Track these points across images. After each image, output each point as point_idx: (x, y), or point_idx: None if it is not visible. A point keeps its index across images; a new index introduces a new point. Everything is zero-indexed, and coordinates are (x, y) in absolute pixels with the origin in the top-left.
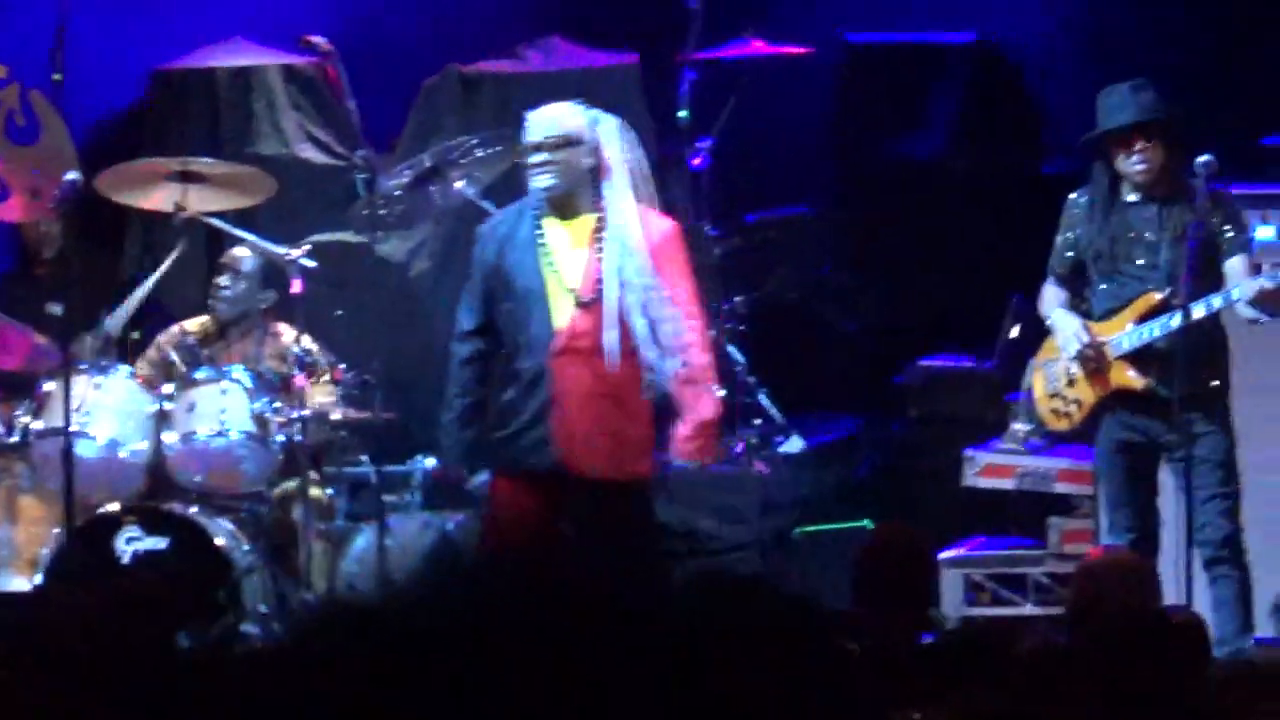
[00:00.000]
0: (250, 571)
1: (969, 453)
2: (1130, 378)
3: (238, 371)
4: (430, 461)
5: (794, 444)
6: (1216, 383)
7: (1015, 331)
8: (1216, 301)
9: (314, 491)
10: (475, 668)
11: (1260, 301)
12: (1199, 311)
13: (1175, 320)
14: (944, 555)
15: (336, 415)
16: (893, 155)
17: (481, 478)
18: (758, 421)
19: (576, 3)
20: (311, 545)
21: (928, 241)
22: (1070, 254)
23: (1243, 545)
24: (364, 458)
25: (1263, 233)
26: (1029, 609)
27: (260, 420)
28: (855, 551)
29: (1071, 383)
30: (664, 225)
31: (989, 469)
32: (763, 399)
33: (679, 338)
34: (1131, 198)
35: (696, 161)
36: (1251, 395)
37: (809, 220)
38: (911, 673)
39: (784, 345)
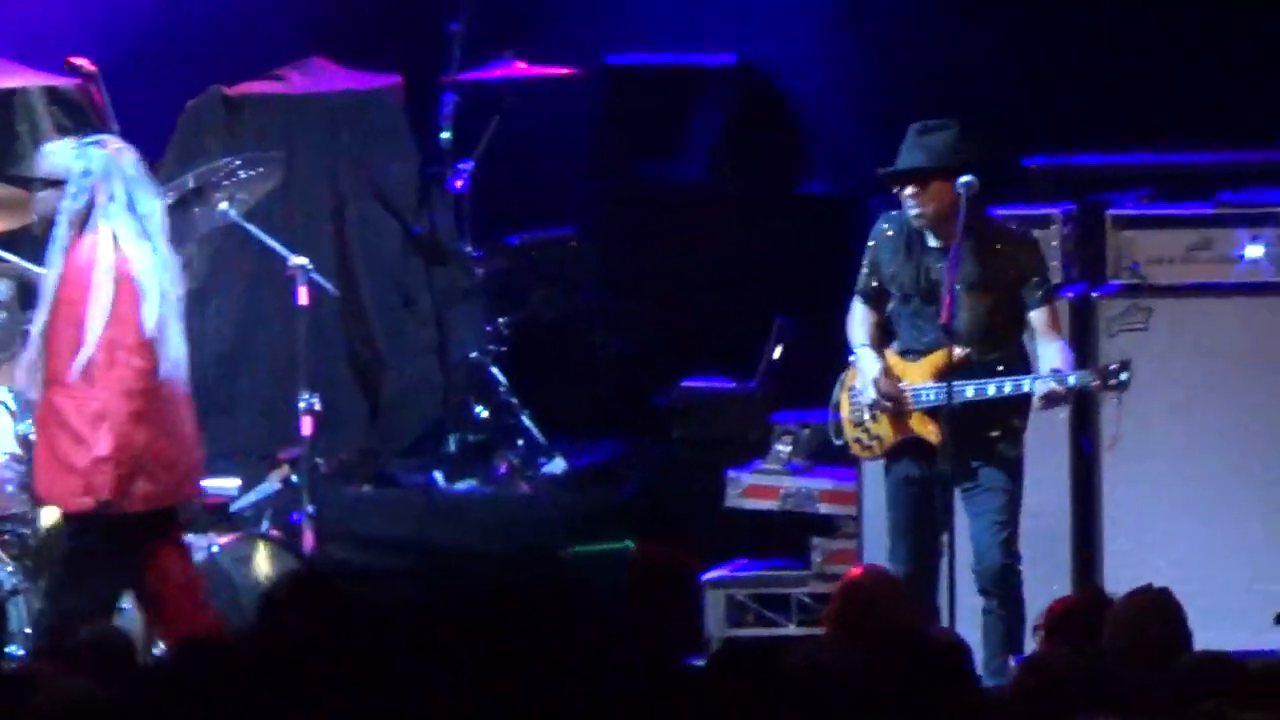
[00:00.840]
0: (14, 593)
1: (731, 474)
2: (929, 431)
3: (2, 393)
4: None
5: (557, 465)
6: (1015, 422)
7: (777, 352)
8: (1008, 388)
9: None
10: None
11: (1048, 399)
12: (991, 390)
13: (969, 392)
14: (707, 576)
15: None
16: (654, 177)
17: None
18: (521, 443)
19: (338, 24)
20: None
21: (690, 263)
22: (874, 279)
23: (1014, 579)
24: None
25: None
26: (792, 629)
27: (24, 442)
28: (620, 572)
29: (875, 418)
30: (95, 259)
31: (752, 490)
32: (525, 420)
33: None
34: (933, 243)
35: (459, 183)
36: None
37: (571, 242)
38: (679, 693)
39: (547, 367)
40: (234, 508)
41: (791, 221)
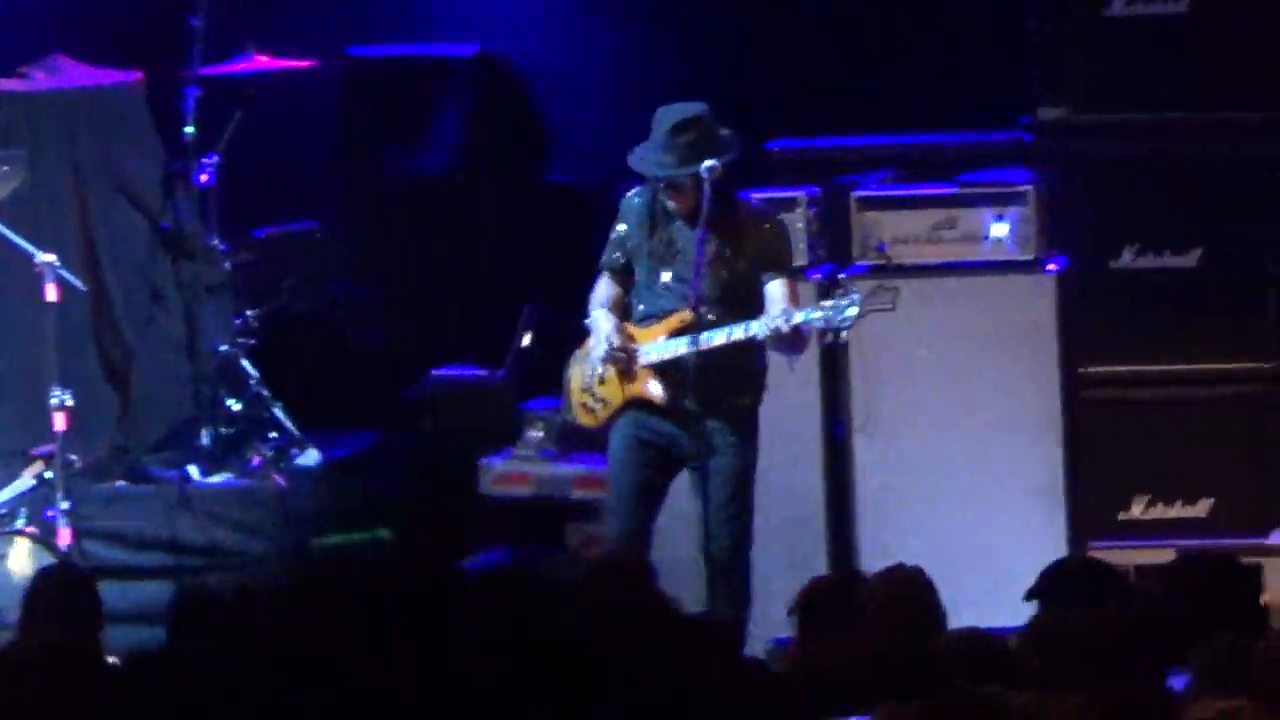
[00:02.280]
0: None
1: (484, 462)
2: (652, 387)
3: None
4: None
5: (311, 457)
6: (745, 401)
7: (526, 341)
8: (738, 333)
9: None
10: None
11: (776, 341)
12: (718, 339)
13: (699, 342)
14: (463, 565)
15: None
16: (398, 169)
17: None
18: (274, 435)
19: (79, 21)
20: None
21: (437, 254)
22: (621, 249)
23: (743, 566)
24: None
25: None
26: None
27: None
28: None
29: (602, 381)
30: None
31: (504, 477)
32: (277, 413)
33: None
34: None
35: (204, 178)
36: None
37: (317, 235)
38: None
39: (298, 360)
40: None
41: (537, 210)
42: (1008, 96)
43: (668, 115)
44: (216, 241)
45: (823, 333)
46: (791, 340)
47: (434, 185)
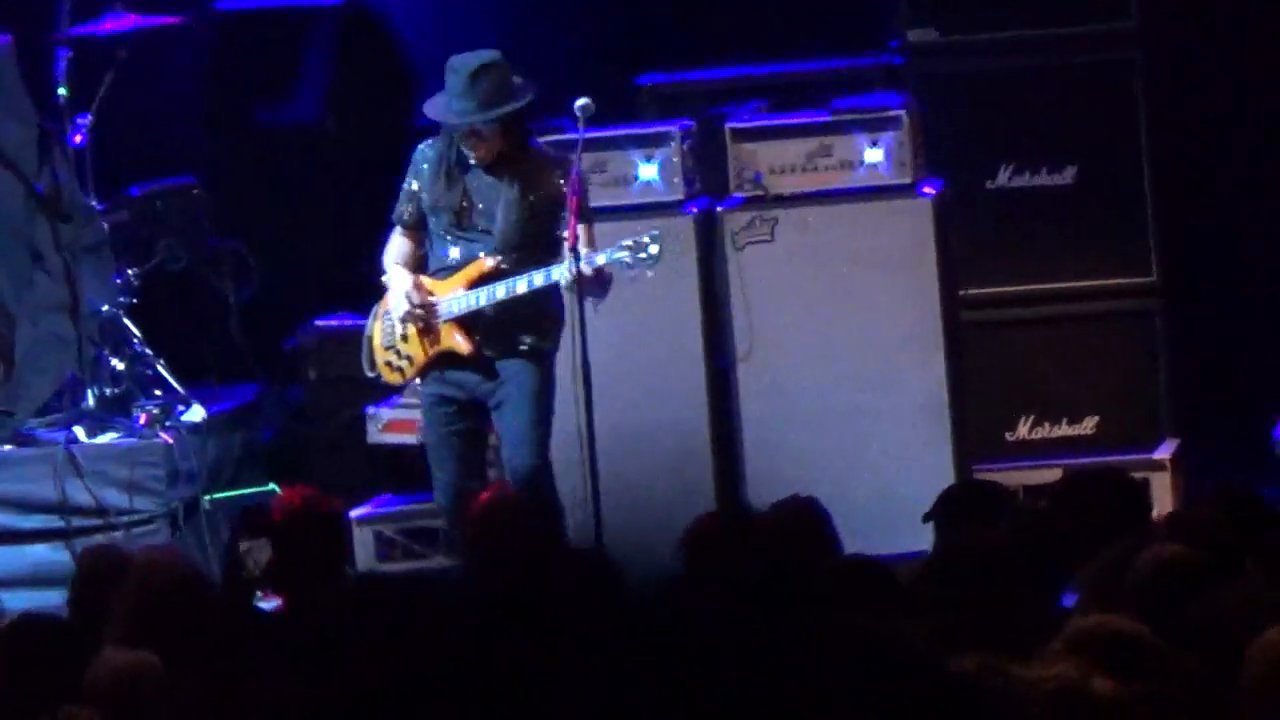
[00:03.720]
0: None
1: (371, 410)
2: (457, 341)
3: None
4: None
5: (195, 412)
6: (543, 345)
7: None
8: (539, 279)
9: None
10: None
11: (581, 285)
12: (520, 287)
13: (500, 291)
14: (353, 514)
15: None
16: (269, 121)
17: None
18: (158, 392)
19: None
20: None
21: (309, 204)
22: (414, 204)
23: (547, 479)
24: None
25: (646, 171)
26: (441, 560)
27: None
28: (262, 518)
29: (405, 338)
30: None
31: (392, 425)
32: (161, 370)
33: None
34: (474, 162)
35: (78, 138)
36: None
37: (194, 190)
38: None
39: (178, 316)
40: None
41: (405, 155)
42: (876, 20)
43: (464, 63)
44: (93, 201)
45: (628, 269)
46: (594, 282)
47: (305, 135)
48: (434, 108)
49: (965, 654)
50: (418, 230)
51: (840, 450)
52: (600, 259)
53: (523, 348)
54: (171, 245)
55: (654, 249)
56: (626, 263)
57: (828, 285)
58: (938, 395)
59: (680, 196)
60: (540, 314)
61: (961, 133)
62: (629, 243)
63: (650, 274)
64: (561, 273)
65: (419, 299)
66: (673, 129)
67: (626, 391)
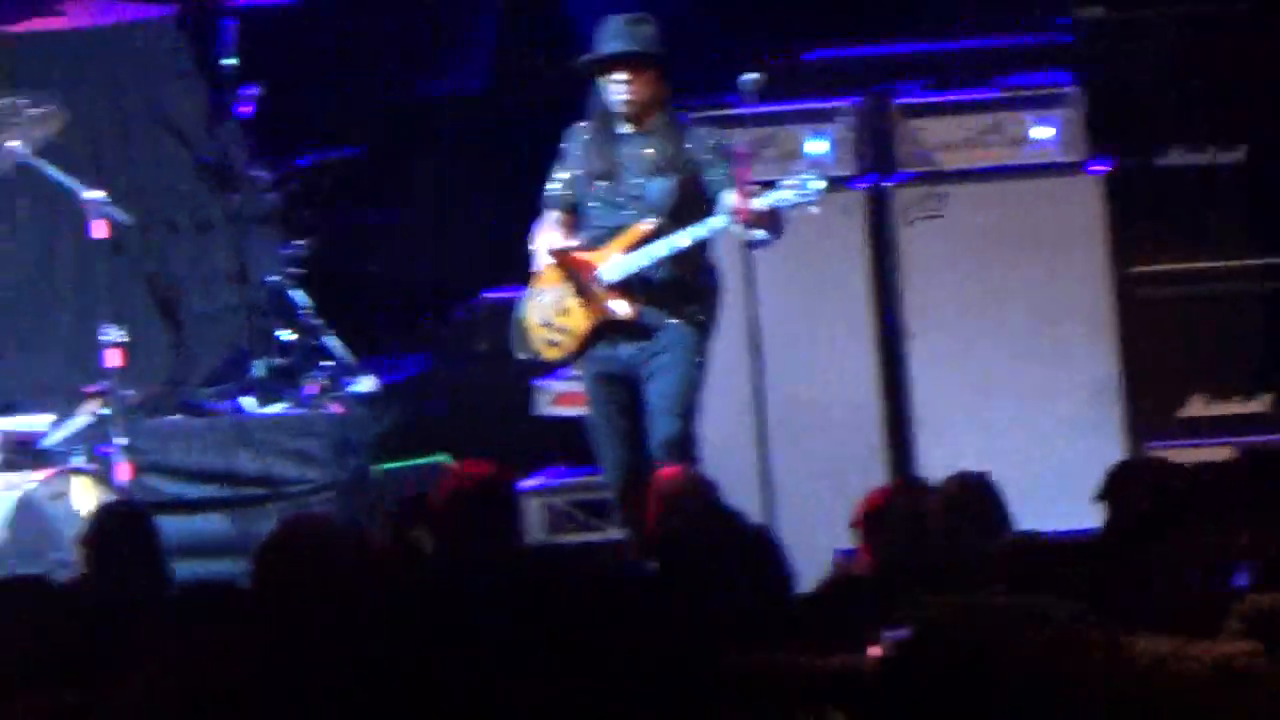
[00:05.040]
0: None
1: (539, 383)
2: (618, 307)
3: None
4: (2, 422)
5: (365, 383)
6: (700, 316)
7: None
8: (699, 230)
9: None
10: None
11: (750, 222)
12: (681, 241)
13: (661, 249)
14: (524, 486)
15: None
16: (435, 92)
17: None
18: (326, 363)
19: None
20: None
21: (477, 175)
22: (566, 185)
23: (690, 445)
24: None
25: (815, 147)
26: (614, 533)
27: None
28: (435, 486)
29: (563, 313)
30: None
31: (561, 398)
32: (329, 341)
33: None
34: (624, 129)
35: (247, 109)
36: None
37: (363, 161)
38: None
39: (348, 286)
40: (45, 444)
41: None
42: None
43: (618, 16)
44: (262, 172)
45: (789, 209)
46: (763, 221)
47: (472, 105)
48: (590, 56)
49: (1138, 634)
50: (569, 213)
51: (1010, 427)
52: (764, 202)
53: (681, 315)
54: (340, 216)
55: (815, 184)
56: (791, 202)
57: (997, 262)
58: (1108, 372)
59: (849, 172)
60: (699, 284)
61: (1130, 110)
62: (791, 181)
63: (815, 210)
64: (721, 220)
65: (558, 249)
66: (842, 105)
67: (797, 366)
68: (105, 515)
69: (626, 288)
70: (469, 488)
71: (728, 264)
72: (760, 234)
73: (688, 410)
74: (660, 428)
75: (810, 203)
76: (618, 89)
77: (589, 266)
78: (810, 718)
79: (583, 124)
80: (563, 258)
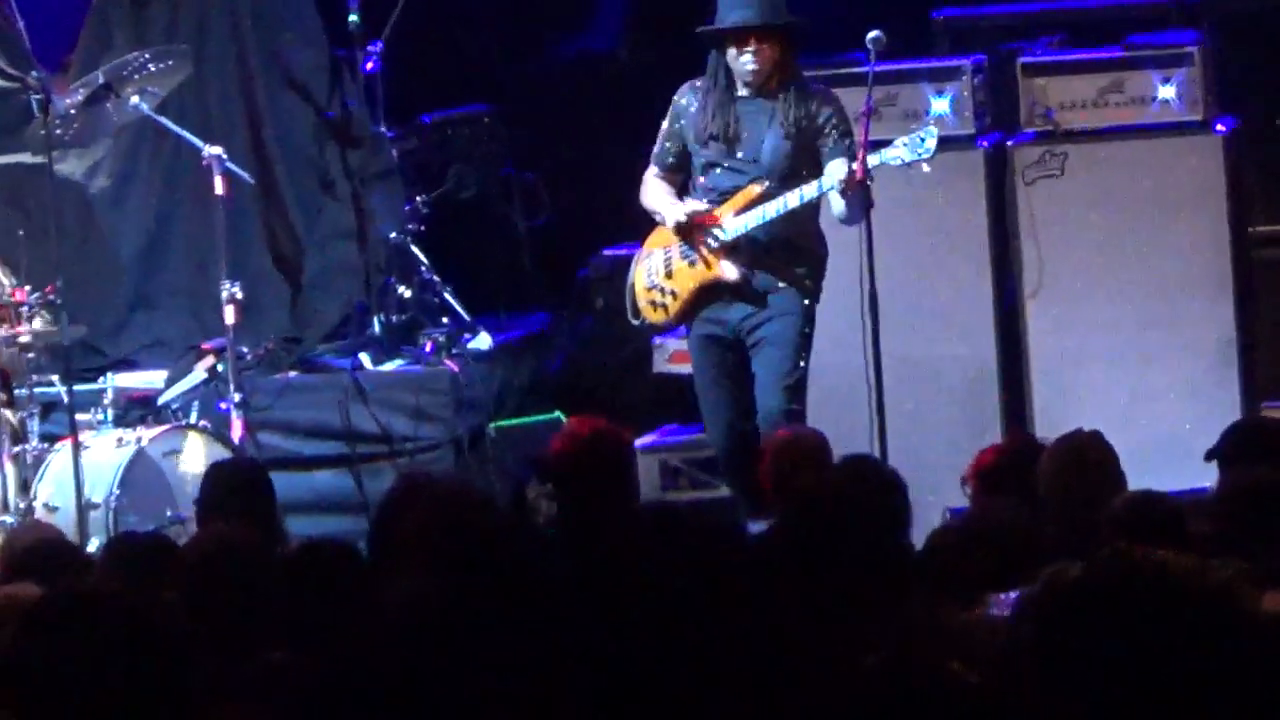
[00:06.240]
0: None
1: (658, 340)
2: (725, 268)
3: None
4: (119, 379)
5: (483, 341)
6: (808, 281)
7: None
8: (810, 191)
9: (4, 414)
10: None
11: (849, 188)
12: (793, 201)
13: (770, 210)
14: (639, 443)
15: (24, 336)
16: (562, 50)
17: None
18: (445, 321)
19: None
20: (5, 468)
21: (601, 134)
22: (676, 145)
23: (796, 422)
24: (53, 378)
25: (938, 105)
26: (725, 491)
27: None
28: (550, 444)
29: (669, 275)
30: None
31: (678, 355)
32: (448, 298)
33: None
34: (743, 92)
35: (369, 65)
36: None
37: (485, 118)
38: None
39: (468, 244)
40: (161, 400)
41: None
42: None
43: None
44: (384, 129)
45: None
46: (858, 189)
47: (599, 64)
48: (717, 21)
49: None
50: (676, 173)
51: (1128, 387)
52: (876, 159)
53: (790, 279)
54: (462, 173)
55: (930, 142)
56: (905, 160)
57: (1118, 222)
58: (1227, 334)
59: (972, 131)
60: (807, 248)
61: (1255, 70)
62: (904, 140)
63: (927, 168)
64: (830, 180)
65: (690, 213)
66: (965, 63)
67: (914, 324)
68: (220, 473)
69: (736, 250)
70: (581, 446)
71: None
72: (842, 210)
73: (797, 383)
74: (768, 400)
75: (924, 160)
76: (744, 59)
77: (700, 228)
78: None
79: (698, 82)
80: (688, 220)
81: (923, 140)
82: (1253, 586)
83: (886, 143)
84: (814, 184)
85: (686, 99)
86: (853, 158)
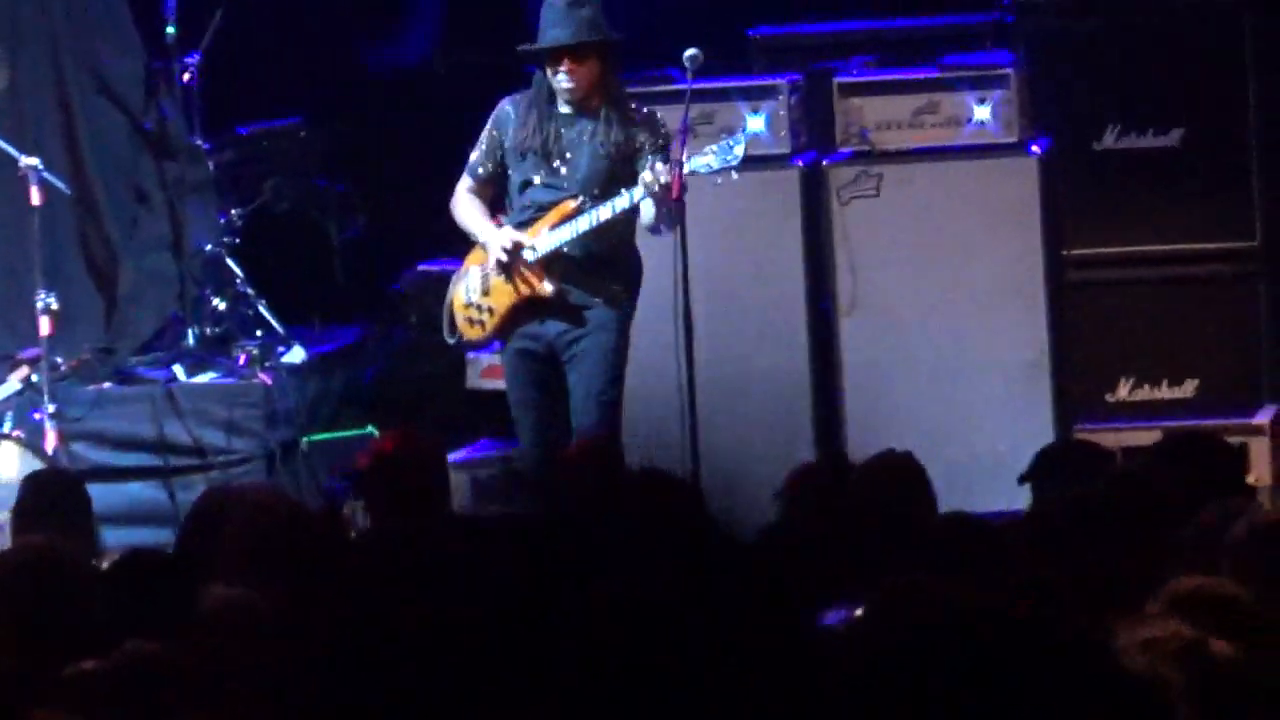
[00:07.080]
0: None
1: (471, 356)
2: (541, 285)
3: None
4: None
5: (296, 354)
6: (623, 293)
7: None
8: (622, 202)
9: None
10: None
11: (658, 196)
12: (604, 214)
13: (583, 224)
14: (452, 458)
15: None
16: (375, 62)
17: None
18: (259, 333)
19: None
20: None
21: (415, 146)
22: (493, 155)
23: (612, 445)
24: None
25: (754, 124)
26: (537, 505)
27: None
28: (358, 457)
29: (486, 291)
30: None
31: (492, 370)
32: (263, 310)
33: None
34: (564, 109)
35: (186, 76)
36: None
37: (300, 131)
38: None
39: (282, 256)
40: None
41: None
42: None
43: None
44: (199, 140)
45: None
46: (669, 197)
47: (412, 76)
48: (534, 43)
49: (1065, 614)
50: (488, 185)
51: (940, 406)
52: (687, 166)
53: (605, 294)
54: (277, 185)
55: (739, 149)
56: (714, 166)
57: (932, 242)
58: (1039, 354)
59: (787, 150)
60: (622, 261)
61: (1069, 92)
62: (713, 147)
63: (736, 176)
64: (641, 190)
65: (512, 243)
66: (780, 81)
67: (729, 343)
68: (35, 483)
69: (552, 266)
70: (389, 457)
71: (662, 241)
72: (651, 218)
73: (612, 399)
74: (582, 422)
75: (732, 167)
76: (560, 77)
77: (516, 245)
78: None
79: (518, 96)
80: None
81: (731, 147)
82: (1096, 612)
83: (696, 150)
84: (625, 195)
85: (509, 109)
86: (665, 162)
